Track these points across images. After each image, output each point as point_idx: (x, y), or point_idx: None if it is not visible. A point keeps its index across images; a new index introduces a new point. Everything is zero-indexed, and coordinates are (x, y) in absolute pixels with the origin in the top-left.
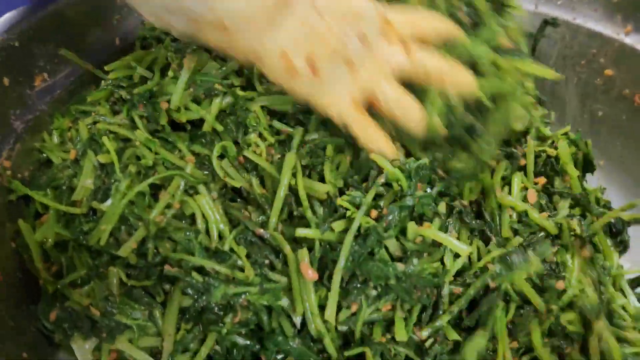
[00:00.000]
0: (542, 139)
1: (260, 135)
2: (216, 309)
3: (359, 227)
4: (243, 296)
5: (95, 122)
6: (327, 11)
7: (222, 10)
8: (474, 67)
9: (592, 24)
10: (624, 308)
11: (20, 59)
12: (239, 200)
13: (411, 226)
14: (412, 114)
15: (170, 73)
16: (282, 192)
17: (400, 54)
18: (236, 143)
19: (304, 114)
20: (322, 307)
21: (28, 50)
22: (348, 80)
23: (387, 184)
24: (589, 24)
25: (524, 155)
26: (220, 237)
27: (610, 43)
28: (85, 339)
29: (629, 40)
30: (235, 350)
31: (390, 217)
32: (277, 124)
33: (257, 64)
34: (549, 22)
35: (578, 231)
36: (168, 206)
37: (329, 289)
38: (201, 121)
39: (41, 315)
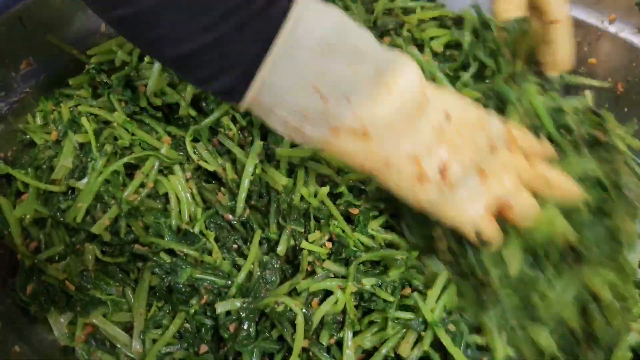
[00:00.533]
0: None
1: (234, 118)
2: (183, 289)
3: None
4: (208, 281)
5: (77, 105)
6: (458, 118)
7: (367, 115)
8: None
9: (576, 12)
10: None
11: (6, 44)
12: (213, 181)
13: None
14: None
15: (147, 58)
16: (246, 181)
17: (526, 164)
18: (211, 127)
19: None
20: None
21: (15, 35)
22: (480, 188)
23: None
24: (573, 12)
25: None
26: (191, 218)
27: (594, 32)
28: (61, 312)
29: (612, 28)
30: (203, 330)
31: None
32: None
33: (381, 175)
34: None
35: None
36: (142, 185)
37: None
38: (178, 104)
39: (18, 288)
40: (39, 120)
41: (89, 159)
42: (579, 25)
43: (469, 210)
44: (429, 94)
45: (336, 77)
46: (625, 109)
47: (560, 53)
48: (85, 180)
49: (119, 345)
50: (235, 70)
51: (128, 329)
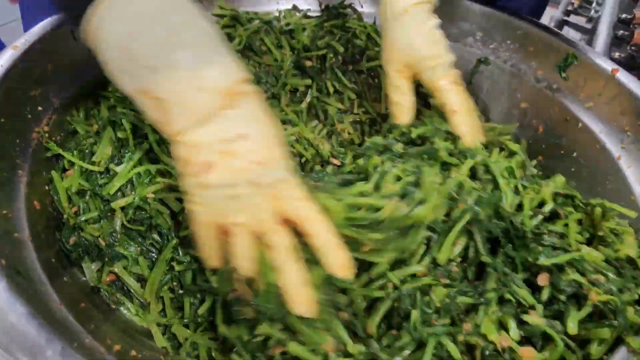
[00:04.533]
0: None
1: None
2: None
3: None
4: None
5: (113, 106)
6: (248, 142)
7: (166, 88)
8: None
9: (513, 66)
10: None
11: (61, 51)
12: None
13: None
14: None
15: None
16: None
17: (268, 222)
18: None
19: None
20: None
21: (68, 46)
22: (221, 200)
23: None
24: (511, 66)
25: None
26: None
27: (525, 82)
28: (92, 261)
29: (540, 82)
30: None
31: None
32: None
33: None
34: (482, 61)
35: None
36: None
37: None
38: None
39: (63, 239)
40: (81, 114)
41: (127, 151)
42: (515, 76)
43: (196, 222)
44: (238, 101)
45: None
46: (543, 146)
47: (467, 133)
48: (122, 167)
49: (132, 291)
50: None
51: (141, 280)
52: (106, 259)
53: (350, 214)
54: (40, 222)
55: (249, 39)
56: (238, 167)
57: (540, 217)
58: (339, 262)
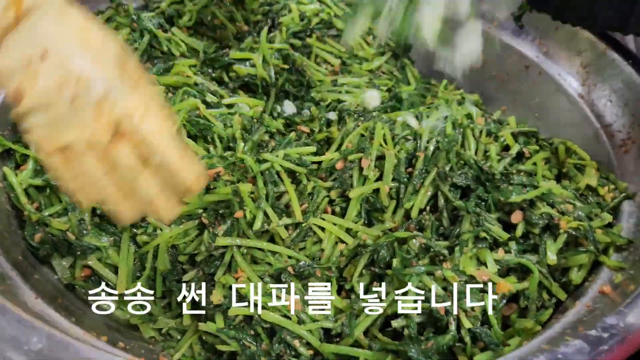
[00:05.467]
0: None
1: None
2: None
3: None
4: None
5: None
6: (52, 57)
7: None
8: None
9: None
10: None
11: None
12: None
13: None
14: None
15: None
16: None
17: (101, 136)
18: None
19: None
20: None
21: None
22: (46, 124)
23: None
24: None
25: None
26: None
27: (484, 35)
28: (62, 257)
29: (498, 33)
30: None
31: None
32: None
33: None
34: None
35: None
36: None
37: None
38: None
39: (27, 237)
40: None
41: None
42: None
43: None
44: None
45: None
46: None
47: None
48: None
49: (111, 284)
50: None
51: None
52: (78, 253)
53: None
54: (0, 220)
55: (199, 13)
56: (46, 87)
57: (507, 159)
58: (190, 178)
